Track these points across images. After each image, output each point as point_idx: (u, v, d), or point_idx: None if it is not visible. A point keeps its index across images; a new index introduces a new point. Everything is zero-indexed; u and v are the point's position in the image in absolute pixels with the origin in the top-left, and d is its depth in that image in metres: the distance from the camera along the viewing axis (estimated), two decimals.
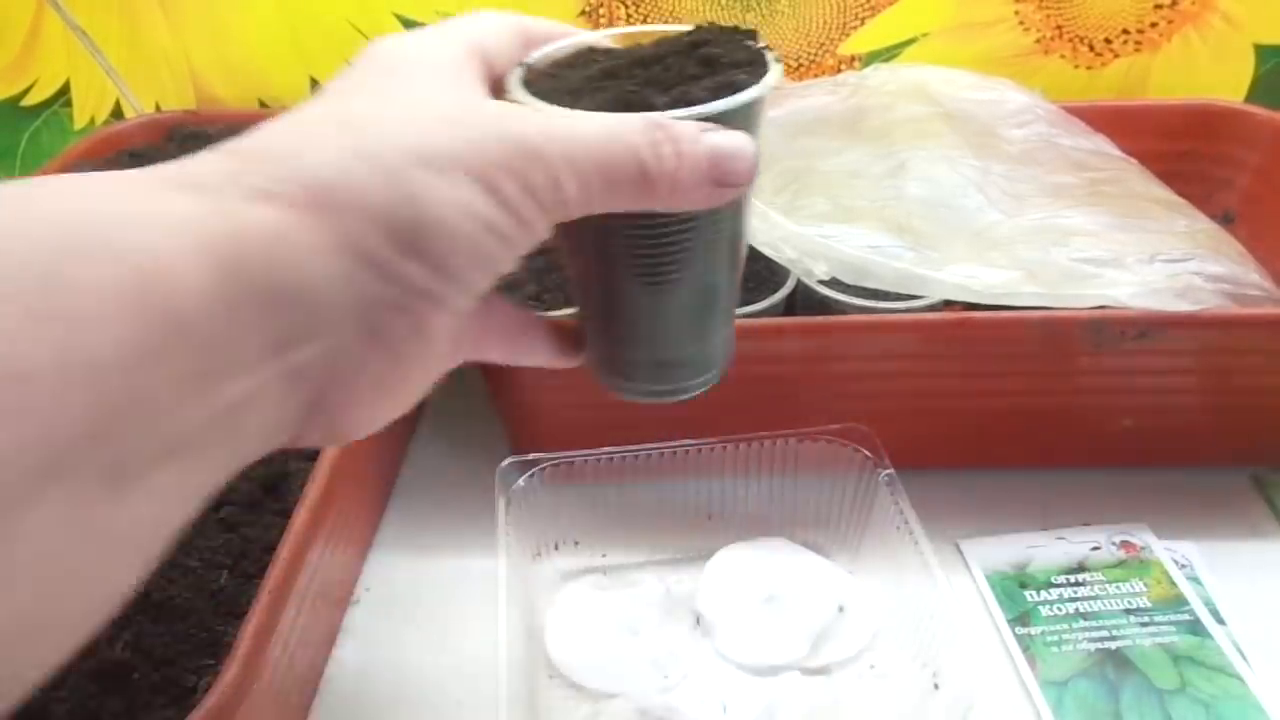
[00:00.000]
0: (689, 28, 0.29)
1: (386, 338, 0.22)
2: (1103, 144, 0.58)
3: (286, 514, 0.36)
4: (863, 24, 0.69)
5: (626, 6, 0.69)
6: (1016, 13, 0.68)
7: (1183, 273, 0.45)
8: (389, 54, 0.24)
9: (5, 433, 0.15)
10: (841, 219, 0.47)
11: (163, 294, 0.18)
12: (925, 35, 0.69)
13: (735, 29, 0.30)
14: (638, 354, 0.31)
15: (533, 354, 0.30)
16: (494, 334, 0.29)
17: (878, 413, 0.46)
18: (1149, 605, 0.44)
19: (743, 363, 0.46)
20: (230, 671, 0.30)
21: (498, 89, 0.27)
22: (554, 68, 0.29)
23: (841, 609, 0.43)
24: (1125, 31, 0.69)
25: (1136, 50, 0.69)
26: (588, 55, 0.30)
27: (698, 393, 0.32)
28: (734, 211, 0.28)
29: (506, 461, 0.44)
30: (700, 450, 0.45)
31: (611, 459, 0.44)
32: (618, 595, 0.45)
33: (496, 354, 0.29)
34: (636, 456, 0.44)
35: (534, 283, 0.49)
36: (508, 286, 0.49)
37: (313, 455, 0.38)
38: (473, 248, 0.22)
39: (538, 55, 0.29)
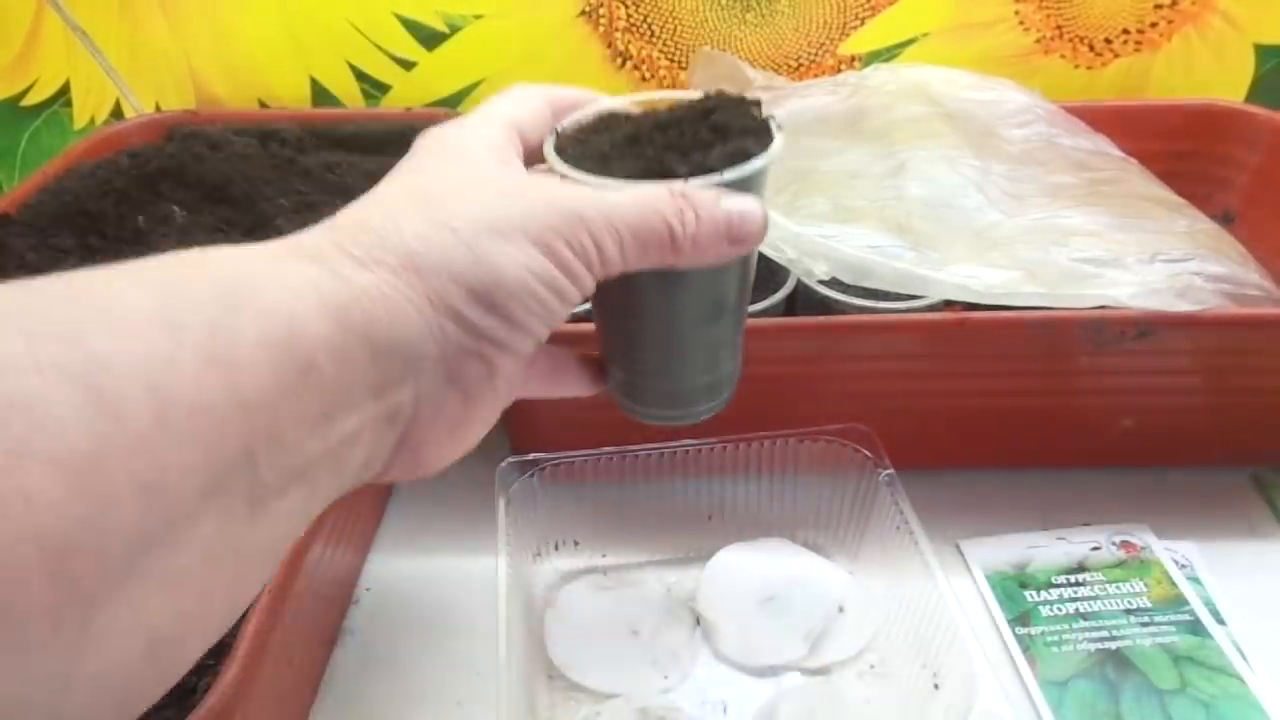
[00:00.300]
0: (701, 95, 0.33)
1: (463, 381, 0.26)
2: (1103, 144, 0.58)
3: None
4: (863, 24, 0.69)
5: (626, 6, 0.69)
6: (1016, 13, 0.68)
7: (1183, 273, 0.45)
8: (441, 140, 0.29)
9: (183, 455, 0.19)
10: (842, 219, 0.47)
11: (299, 345, 0.21)
12: (925, 35, 0.69)
13: (743, 98, 0.33)
14: (653, 384, 0.35)
15: (565, 387, 0.34)
16: (534, 373, 0.32)
17: (878, 412, 0.46)
18: (1149, 605, 0.44)
19: (743, 363, 0.46)
20: (230, 671, 0.30)
21: (533, 156, 0.30)
22: (581, 133, 0.32)
23: (841, 609, 0.43)
24: (1125, 31, 0.69)
25: (1137, 50, 0.69)
26: (610, 120, 0.33)
27: (707, 416, 0.36)
28: (741, 263, 0.32)
29: (506, 461, 0.44)
30: (700, 450, 0.45)
31: (611, 459, 0.44)
32: (618, 595, 0.45)
33: (537, 390, 0.33)
34: (636, 456, 0.44)
35: None
36: None
37: None
38: (536, 301, 0.26)
39: (566, 123, 0.32)
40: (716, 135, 0.31)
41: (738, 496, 0.46)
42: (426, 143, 0.29)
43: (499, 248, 0.25)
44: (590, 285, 0.27)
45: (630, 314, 0.33)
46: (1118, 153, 0.57)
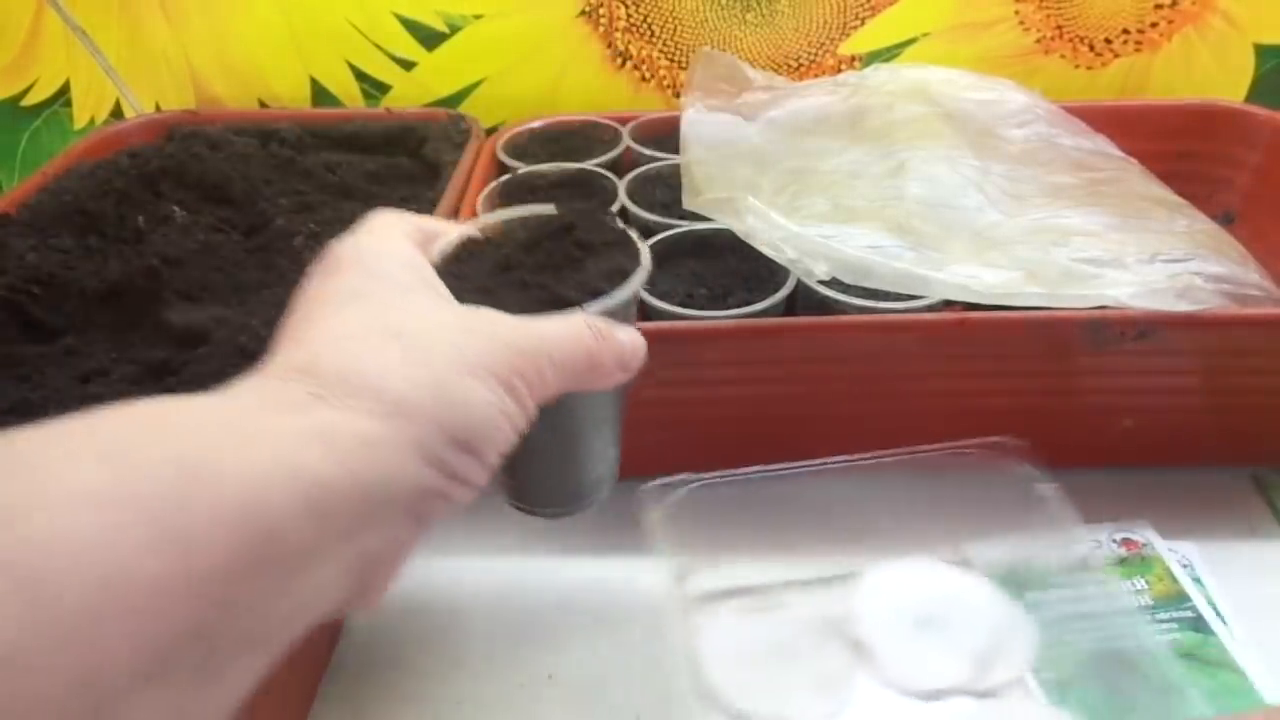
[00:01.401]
0: (552, 209, 0.36)
1: (424, 516, 0.26)
2: (1103, 144, 0.58)
3: None
4: (863, 24, 0.69)
5: (626, 6, 0.69)
6: (1016, 12, 0.68)
7: (1183, 273, 0.45)
8: (368, 257, 0.29)
9: (123, 641, 0.18)
10: (842, 219, 0.47)
11: (261, 516, 0.20)
12: (926, 35, 0.69)
13: (594, 210, 0.36)
14: (546, 484, 0.39)
15: None
16: None
17: (877, 412, 0.46)
18: (1150, 603, 0.44)
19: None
20: None
21: None
22: (454, 266, 0.34)
23: (1001, 628, 0.41)
24: (1125, 31, 0.69)
25: (1137, 50, 0.70)
26: (471, 246, 0.35)
27: (591, 507, 0.39)
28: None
29: (653, 483, 0.42)
30: (842, 468, 0.43)
31: (752, 478, 0.43)
32: (767, 617, 0.43)
33: None
34: (782, 475, 0.43)
35: None
36: None
37: None
38: (501, 436, 0.27)
39: (433, 257, 0.33)
40: (584, 252, 0.34)
41: (882, 514, 0.45)
42: (351, 260, 0.29)
43: (472, 388, 0.25)
44: (534, 412, 0.28)
45: (534, 429, 0.35)
46: (1118, 153, 0.57)
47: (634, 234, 0.36)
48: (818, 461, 0.43)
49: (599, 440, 0.38)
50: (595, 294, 0.32)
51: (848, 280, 0.44)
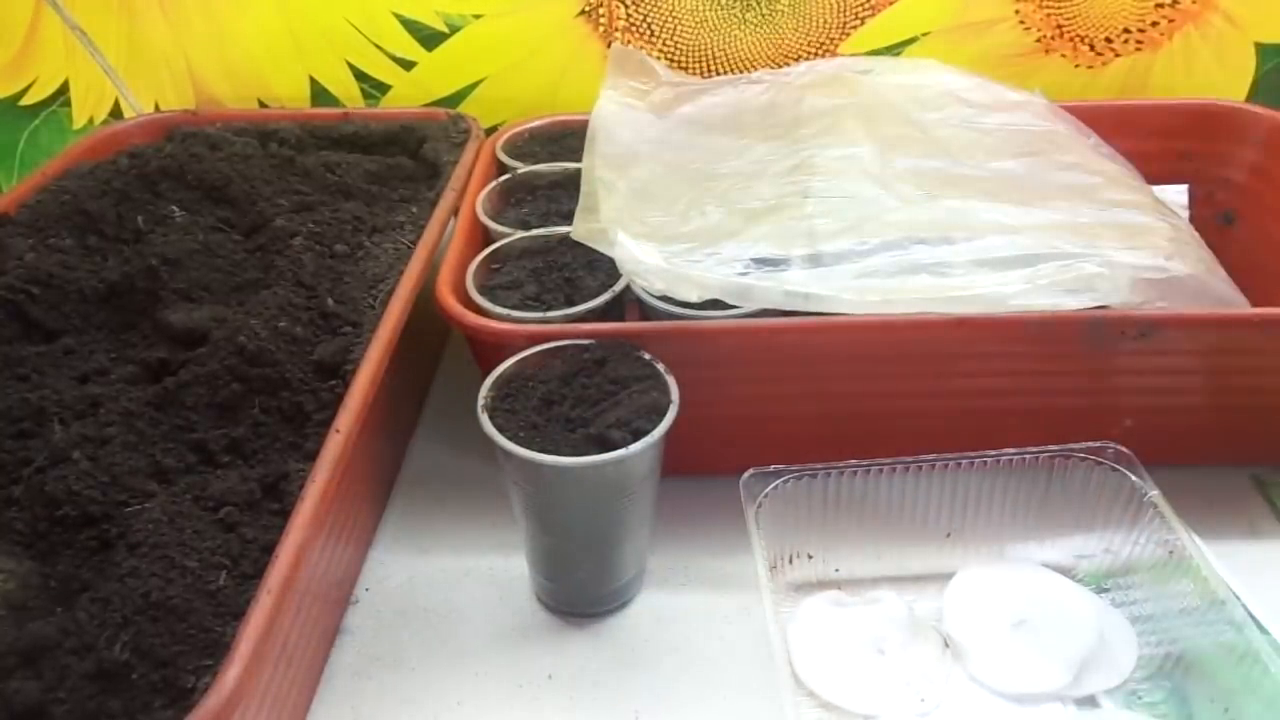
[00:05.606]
0: (587, 343, 0.41)
1: None
2: (1026, 119, 0.56)
3: (285, 514, 0.36)
4: (863, 24, 0.69)
5: (626, 6, 0.69)
6: (1017, 12, 0.68)
7: (1073, 265, 0.44)
8: None
9: None
10: (734, 227, 0.47)
11: None
12: (926, 34, 0.69)
13: (623, 343, 0.41)
14: (581, 589, 0.43)
15: None
16: None
17: (873, 412, 0.46)
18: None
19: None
20: (229, 671, 0.30)
21: None
22: (502, 401, 0.39)
23: (1100, 636, 0.41)
24: (1126, 31, 0.69)
25: (1137, 49, 0.69)
26: (514, 381, 0.41)
27: (620, 603, 0.44)
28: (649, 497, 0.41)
29: (750, 472, 0.42)
30: (938, 466, 0.43)
31: (854, 473, 0.42)
32: (858, 612, 0.42)
33: None
34: (881, 470, 0.43)
35: (534, 283, 0.49)
36: (507, 286, 0.49)
37: (311, 455, 0.38)
38: None
39: (484, 390, 0.40)
40: (616, 385, 0.39)
41: (978, 515, 0.44)
42: None
43: None
44: None
45: (575, 543, 0.41)
46: (1043, 125, 0.55)
47: (661, 367, 0.40)
48: (912, 459, 0.43)
49: (633, 550, 0.42)
50: (637, 433, 0.36)
51: (732, 302, 0.44)
